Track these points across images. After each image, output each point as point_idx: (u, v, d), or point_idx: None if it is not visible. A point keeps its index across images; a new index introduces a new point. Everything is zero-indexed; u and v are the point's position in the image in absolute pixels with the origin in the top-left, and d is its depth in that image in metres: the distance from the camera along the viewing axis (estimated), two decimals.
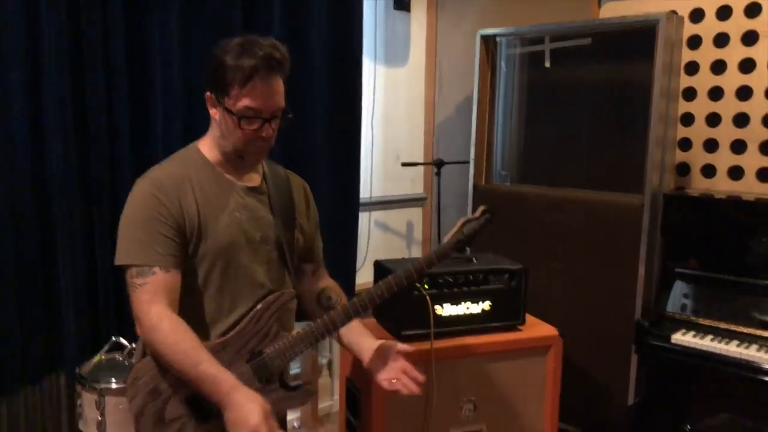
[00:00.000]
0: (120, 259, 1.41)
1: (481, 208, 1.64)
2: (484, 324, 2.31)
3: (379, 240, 3.51)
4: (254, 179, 1.58)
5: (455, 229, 1.63)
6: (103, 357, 2.01)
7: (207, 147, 1.54)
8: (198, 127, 1.60)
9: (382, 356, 1.66)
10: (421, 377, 1.65)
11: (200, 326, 1.46)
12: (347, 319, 1.55)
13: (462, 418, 2.27)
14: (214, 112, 1.47)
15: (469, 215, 1.65)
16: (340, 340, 1.74)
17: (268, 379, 1.49)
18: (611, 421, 2.94)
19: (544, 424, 2.38)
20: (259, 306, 1.51)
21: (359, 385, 2.27)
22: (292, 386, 1.55)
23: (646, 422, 2.83)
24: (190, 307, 1.46)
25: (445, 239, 1.62)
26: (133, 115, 2.27)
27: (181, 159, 1.53)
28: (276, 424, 1.35)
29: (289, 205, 1.63)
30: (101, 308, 2.20)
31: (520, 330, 2.37)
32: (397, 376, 1.63)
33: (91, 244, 2.18)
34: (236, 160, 1.51)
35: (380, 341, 1.71)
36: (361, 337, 1.72)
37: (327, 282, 1.80)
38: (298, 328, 1.60)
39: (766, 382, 2.33)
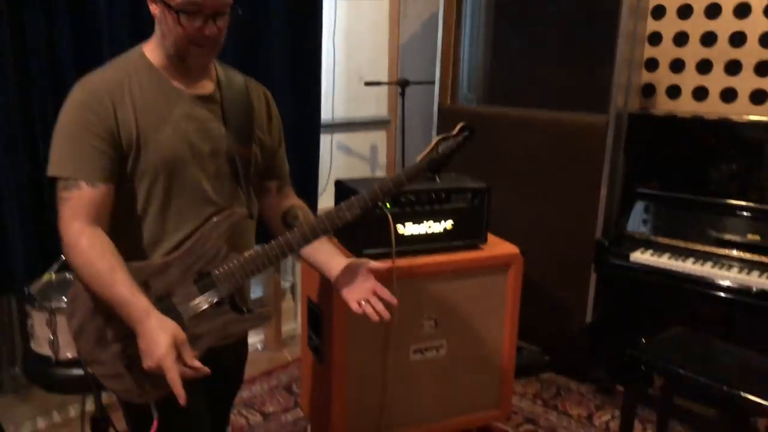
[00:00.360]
0: (49, 170, 1.31)
1: (459, 125, 1.50)
2: (446, 243, 2.30)
3: (342, 163, 3.45)
4: (206, 87, 1.44)
5: (429, 147, 1.49)
6: (52, 276, 1.94)
7: (151, 50, 1.40)
8: (147, 29, 1.46)
9: (351, 275, 1.56)
10: (393, 299, 1.56)
11: (142, 247, 1.38)
12: (304, 242, 1.43)
13: (423, 335, 2.29)
14: (154, 8, 1.34)
15: (446, 133, 1.50)
16: (306, 260, 1.65)
17: (219, 301, 1.40)
18: (569, 338, 3.01)
19: (504, 340, 2.42)
20: (207, 225, 1.41)
21: (321, 304, 2.26)
22: (245, 309, 1.46)
23: (603, 339, 2.92)
24: (131, 228, 1.37)
25: (418, 158, 1.49)
26: (75, 18, 2.12)
27: (121, 63, 1.39)
28: (192, 353, 1.25)
29: (247, 117, 1.49)
30: (49, 226, 2.11)
31: (481, 249, 2.36)
32: (366, 296, 1.53)
33: (34, 158, 2.07)
34: (179, 63, 1.38)
35: (350, 259, 1.59)
36: (329, 255, 1.60)
37: (293, 200, 1.66)
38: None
39: (718, 296, 2.40)
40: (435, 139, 1.51)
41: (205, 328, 1.39)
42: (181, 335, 1.25)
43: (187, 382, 1.23)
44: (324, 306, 2.23)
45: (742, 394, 1.95)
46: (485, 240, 2.38)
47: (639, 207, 2.73)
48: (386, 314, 1.53)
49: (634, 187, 2.77)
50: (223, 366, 1.54)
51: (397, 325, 2.18)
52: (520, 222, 2.94)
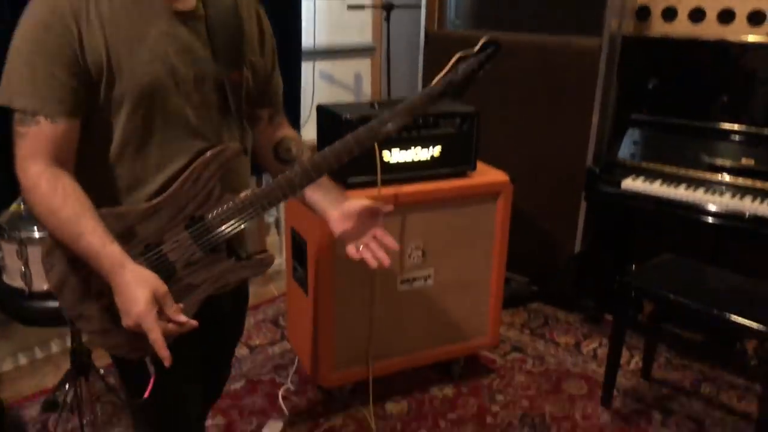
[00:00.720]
0: (0, 98, 1.14)
1: (482, 40, 1.29)
2: (434, 170, 2.23)
3: (325, 93, 3.33)
4: (187, 1, 1.24)
5: (447, 67, 1.29)
6: (21, 206, 1.85)
7: None
8: None
9: (350, 217, 1.39)
10: (395, 245, 1.40)
11: (121, 191, 1.23)
12: (308, 180, 1.26)
13: (410, 265, 2.24)
14: None
15: (465, 50, 1.28)
16: (303, 201, 1.47)
17: (214, 248, 1.25)
18: (557, 268, 2.99)
19: (492, 269, 2.39)
20: (196, 163, 1.23)
21: (305, 235, 2.19)
22: (243, 255, 1.31)
23: (592, 268, 2.90)
24: (106, 169, 1.22)
25: (435, 80, 1.29)
26: None
27: None
28: (175, 306, 1.14)
29: (236, 36, 1.30)
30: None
31: (470, 176, 2.30)
32: (366, 241, 1.38)
33: None
34: None
35: (350, 201, 1.41)
36: (325, 194, 1.41)
37: (286, 131, 1.47)
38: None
39: (710, 223, 2.36)
40: (454, 57, 1.30)
41: (200, 277, 1.26)
42: (162, 287, 1.12)
43: (179, 336, 1.13)
44: (309, 237, 2.16)
45: (732, 317, 1.94)
46: (474, 167, 2.30)
47: (631, 133, 2.66)
48: (386, 261, 1.40)
49: (626, 113, 2.69)
50: (223, 313, 1.46)
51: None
52: (509, 150, 2.86)
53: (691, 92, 2.62)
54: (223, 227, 1.25)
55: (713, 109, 2.56)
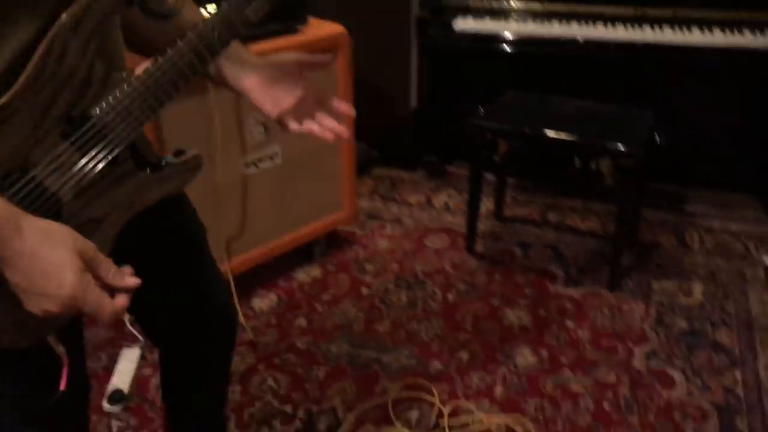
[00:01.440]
0: None
1: None
2: (261, 27, 1.90)
3: None
4: None
5: None
6: None
7: None
8: None
9: (276, 83, 0.99)
10: (349, 109, 1.06)
11: None
12: (231, 33, 0.85)
13: (253, 145, 1.96)
14: None
15: None
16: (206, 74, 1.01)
17: (113, 159, 0.81)
18: (395, 128, 2.88)
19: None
20: (53, 30, 0.74)
21: None
22: (162, 161, 0.90)
23: (430, 122, 2.82)
24: None
25: None
26: None
27: None
28: (113, 266, 0.75)
29: None
30: None
31: (302, 32, 2.01)
32: (309, 111, 1.01)
33: None
34: None
35: (270, 58, 1.00)
36: (235, 57, 0.99)
37: None
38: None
39: (542, 54, 2.36)
40: None
41: (103, 206, 0.83)
42: (88, 244, 0.73)
43: None
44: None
45: (592, 139, 1.98)
46: (305, 20, 2.02)
47: None
48: (342, 130, 1.02)
49: None
50: (165, 225, 1.04)
51: (221, 136, 1.82)
52: (329, 3, 2.58)
53: None
54: (122, 125, 0.80)
55: None
